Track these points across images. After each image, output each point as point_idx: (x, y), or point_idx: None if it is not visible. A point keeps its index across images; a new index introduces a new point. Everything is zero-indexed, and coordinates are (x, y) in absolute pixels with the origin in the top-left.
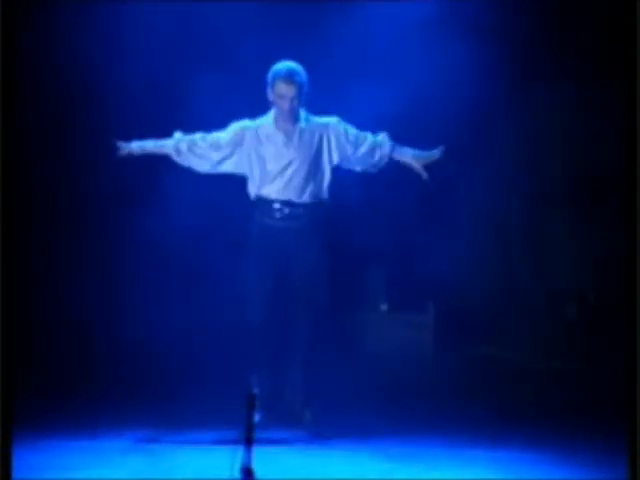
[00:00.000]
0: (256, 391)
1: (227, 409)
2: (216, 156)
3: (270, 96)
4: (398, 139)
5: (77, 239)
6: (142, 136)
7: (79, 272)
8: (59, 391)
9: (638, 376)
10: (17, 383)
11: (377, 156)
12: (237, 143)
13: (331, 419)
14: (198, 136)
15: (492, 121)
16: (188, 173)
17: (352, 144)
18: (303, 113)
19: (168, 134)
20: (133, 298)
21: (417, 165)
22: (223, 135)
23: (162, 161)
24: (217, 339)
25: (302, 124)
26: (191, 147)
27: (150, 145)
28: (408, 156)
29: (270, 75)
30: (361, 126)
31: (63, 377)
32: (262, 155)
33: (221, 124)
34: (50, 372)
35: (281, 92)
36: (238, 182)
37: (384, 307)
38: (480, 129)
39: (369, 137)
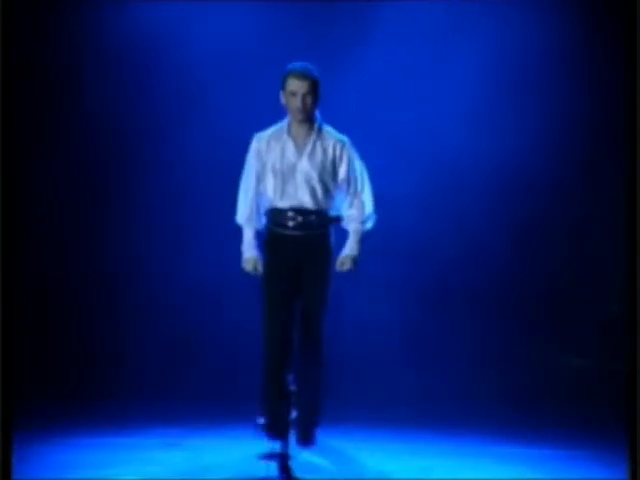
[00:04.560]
0: (293, 388)
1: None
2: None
3: (282, 98)
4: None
5: (78, 236)
6: (142, 136)
7: (102, 262)
8: (90, 389)
9: (638, 377)
10: (48, 381)
11: (344, 204)
12: (261, 168)
13: (370, 416)
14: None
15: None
16: (193, 173)
17: (345, 176)
18: (317, 123)
19: (169, 135)
20: (165, 297)
21: (347, 252)
22: (251, 175)
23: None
24: (250, 335)
25: (315, 131)
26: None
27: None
28: (349, 241)
29: (282, 75)
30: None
31: (94, 376)
32: (273, 163)
33: (220, 123)
34: (81, 371)
35: (293, 88)
36: None
37: (418, 307)
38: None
39: (356, 186)
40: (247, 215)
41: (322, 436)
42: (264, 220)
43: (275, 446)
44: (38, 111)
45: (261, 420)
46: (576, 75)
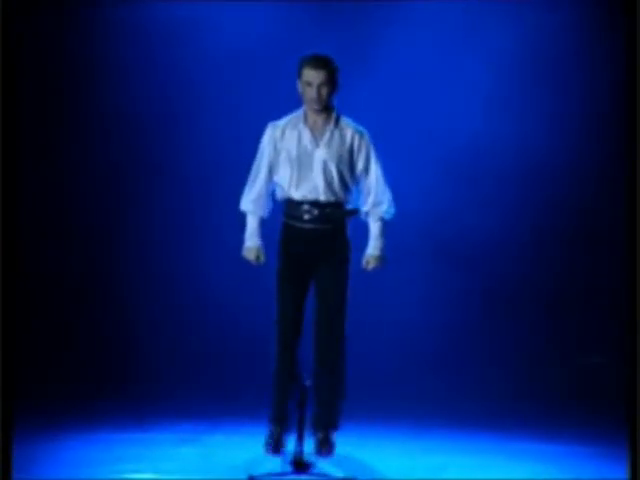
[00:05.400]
0: (308, 383)
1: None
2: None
3: (299, 87)
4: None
5: (79, 234)
6: (145, 136)
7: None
8: (103, 385)
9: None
10: (60, 378)
11: (362, 197)
12: (274, 156)
13: (385, 412)
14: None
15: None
16: (204, 169)
17: (363, 168)
18: (334, 113)
19: (171, 136)
20: (179, 293)
21: (370, 251)
22: (263, 163)
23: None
24: (266, 333)
25: (332, 121)
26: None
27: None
28: (371, 238)
29: (298, 64)
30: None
31: (108, 372)
32: (289, 153)
33: (231, 121)
34: (94, 367)
35: (308, 79)
36: None
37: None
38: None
39: (374, 177)
40: (253, 201)
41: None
42: (270, 207)
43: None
44: (43, 110)
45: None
46: (585, 70)
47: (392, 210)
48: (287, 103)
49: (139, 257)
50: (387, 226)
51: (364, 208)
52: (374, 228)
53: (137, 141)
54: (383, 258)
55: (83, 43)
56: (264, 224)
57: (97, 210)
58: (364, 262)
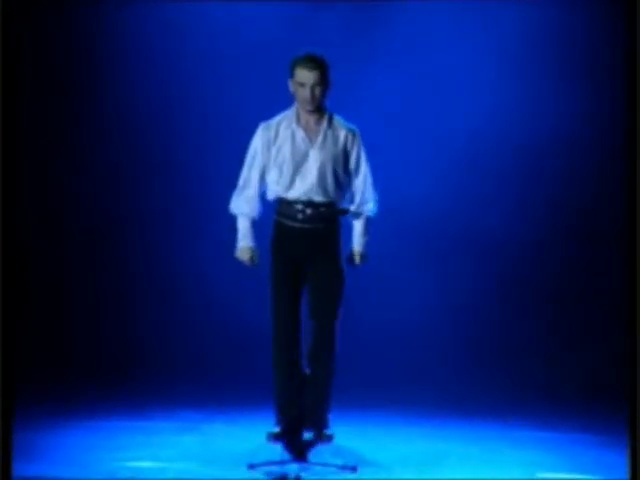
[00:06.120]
0: (307, 372)
1: None
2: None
3: (291, 87)
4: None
5: (81, 229)
6: (145, 136)
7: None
8: (105, 373)
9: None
10: (62, 366)
11: (349, 195)
12: (267, 158)
13: (385, 401)
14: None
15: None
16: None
17: (354, 167)
18: (327, 112)
19: (171, 136)
20: (180, 282)
21: (355, 247)
22: (255, 164)
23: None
24: (267, 322)
25: (325, 120)
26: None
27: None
28: (355, 235)
29: (290, 63)
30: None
31: (114, 358)
32: (283, 153)
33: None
34: (101, 354)
35: (301, 79)
36: None
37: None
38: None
39: (363, 176)
40: (246, 203)
41: (336, 418)
42: (261, 209)
43: (287, 455)
44: (43, 110)
45: (275, 429)
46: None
47: (376, 209)
48: (288, 103)
49: (138, 253)
50: (370, 224)
51: (351, 206)
52: (358, 226)
53: (137, 141)
54: (366, 255)
55: (83, 43)
56: (256, 225)
57: (97, 210)
58: (348, 259)
